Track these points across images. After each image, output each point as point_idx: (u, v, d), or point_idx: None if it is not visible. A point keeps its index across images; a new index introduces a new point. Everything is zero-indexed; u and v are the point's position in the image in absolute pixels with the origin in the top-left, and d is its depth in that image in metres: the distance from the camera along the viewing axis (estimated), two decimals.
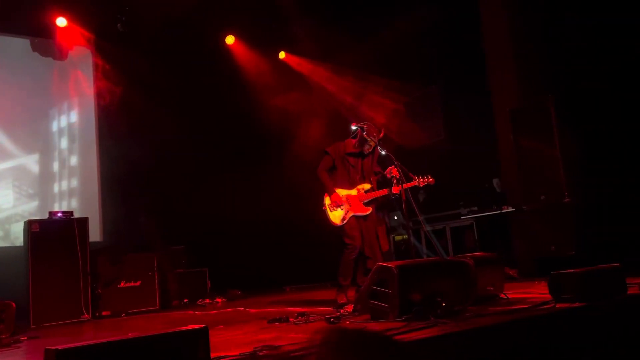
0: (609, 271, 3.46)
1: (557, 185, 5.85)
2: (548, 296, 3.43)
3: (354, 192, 5.05)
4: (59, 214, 6.25)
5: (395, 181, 4.80)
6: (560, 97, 6.02)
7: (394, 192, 4.89)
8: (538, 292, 4.16)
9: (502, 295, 3.92)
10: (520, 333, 2.85)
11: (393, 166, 4.80)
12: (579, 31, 6.17)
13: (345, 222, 4.96)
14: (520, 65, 6.80)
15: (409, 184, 4.83)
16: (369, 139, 4.93)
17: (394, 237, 8.30)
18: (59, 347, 1.86)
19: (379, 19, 8.79)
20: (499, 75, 7.12)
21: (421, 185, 4.90)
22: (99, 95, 8.06)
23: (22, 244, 6.38)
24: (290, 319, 3.85)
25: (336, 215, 4.99)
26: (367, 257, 4.96)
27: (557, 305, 3.19)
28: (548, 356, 2.85)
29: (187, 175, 8.17)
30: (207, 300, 7.04)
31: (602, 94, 5.99)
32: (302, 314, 3.93)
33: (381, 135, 5.00)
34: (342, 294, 4.93)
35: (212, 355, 2.29)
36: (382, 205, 5.55)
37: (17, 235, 6.96)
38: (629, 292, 3.45)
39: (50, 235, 6.05)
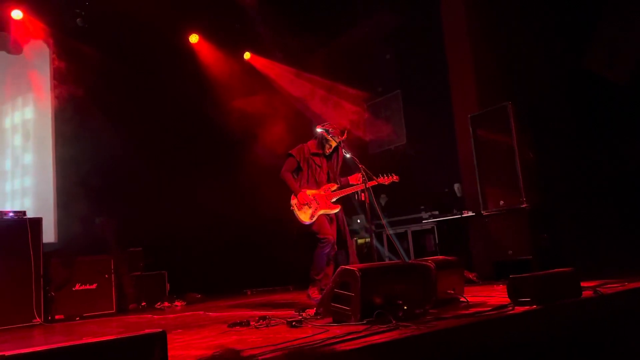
0: (565, 275, 3.55)
1: (515, 190, 5.98)
2: (507, 299, 3.50)
3: (321, 191, 5.05)
4: (11, 214, 6.00)
5: (363, 186, 4.80)
6: (518, 103, 6.17)
7: (360, 195, 4.92)
8: (497, 295, 4.23)
9: (462, 299, 3.97)
10: (480, 335, 2.89)
11: (358, 173, 4.82)
12: (537, 37, 6.35)
13: (314, 219, 4.95)
14: (480, 72, 6.95)
15: (374, 182, 4.87)
16: (329, 139, 4.96)
17: (356, 240, 8.33)
18: (5, 354, 1.77)
19: (342, 23, 8.85)
20: (459, 81, 7.25)
21: (386, 183, 4.94)
22: (55, 91, 7.78)
23: None
24: (252, 323, 3.79)
25: (305, 214, 4.97)
26: (331, 256, 4.97)
27: (516, 308, 3.25)
28: (507, 358, 2.89)
29: (145, 176, 7.98)
30: (166, 304, 6.89)
31: (559, 100, 6.18)
32: (263, 318, 3.88)
33: (344, 137, 5.02)
34: (315, 289, 4.91)
35: None
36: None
37: None
38: (583, 295, 3.54)
39: (0, 235, 5.80)
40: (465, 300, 3.95)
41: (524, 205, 5.90)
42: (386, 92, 9.11)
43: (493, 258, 6.18)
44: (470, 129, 6.51)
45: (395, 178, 4.98)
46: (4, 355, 1.72)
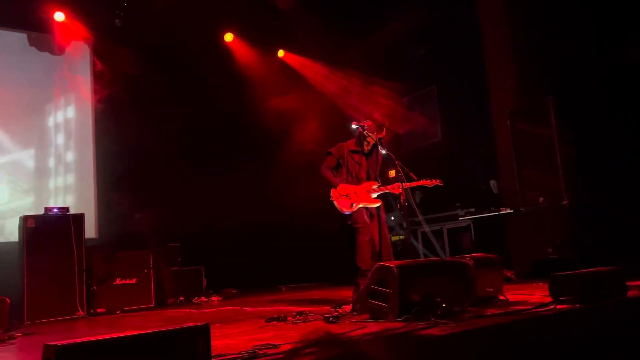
0: (609, 273, 3.46)
1: (555, 187, 5.85)
2: (547, 298, 3.43)
3: (361, 186, 5.05)
4: (55, 210, 6.21)
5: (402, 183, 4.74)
6: (559, 98, 6.02)
7: (394, 192, 4.89)
8: (537, 293, 4.15)
9: (502, 297, 3.91)
10: (520, 334, 2.84)
11: (398, 183, 4.77)
12: (579, 30, 6.18)
13: (354, 209, 4.95)
14: (519, 65, 6.80)
15: (417, 183, 4.82)
16: (367, 135, 4.94)
17: (390, 238, 8.28)
18: (59, 343, 1.83)
19: (377, 18, 8.79)
20: (497, 76, 7.12)
21: (429, 186, 4.89)
22: (96, 91, 8.01)
23: (16, 240, 6.33)
24: (289, 318, 3.83)
25: (344, 203, 4.98)
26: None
27: (557, 307, 3.18)
28: (548, 357, 2.84)
29: (183, 173, 8.12)
30: (203, 299, 7.01)
31: (601, 94, 6.00)
32: (300, 313, 3.91)
33: (383, 134, 4.99)
34: (365, 279, 4.90)
35: (212, 353, 2.26)
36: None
37: (11, 231, 6.89)
38: (628, 294, 3.45)
39: (45, 231, 6.01)
40: (504, 298, 3.89)
41: (564, 202, 5.76)
42: (421, 88, 9.02)
43: (531, 256, 6.06)
44: (509, 123, 6.39)
45: (439, 182, 4.92)
46: (57, 345, 1.79)
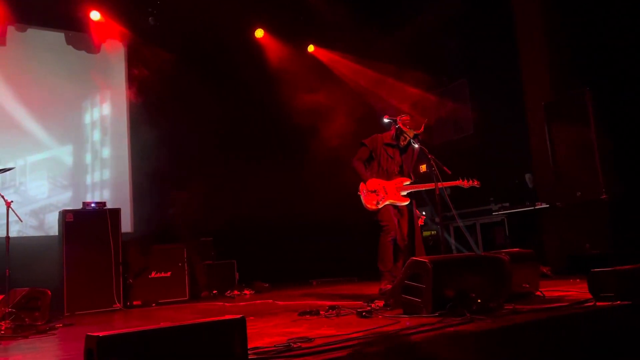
0: None
1: (593, 181, 5.69)
2: (586, 294, 3.35)
3: (392, 183, 5.01)
4: (93, 205, 6.37)
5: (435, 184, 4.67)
6: (597, 89, 5.85)
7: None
8: (575, 289, 4.06)
9: (538, 293, 3.83)
10: (559, 331, 2.78)
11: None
12: (618, 18, 5.99)
13: (380, 207, 4.91)
14: (555, 57, 6.63)
15: (453, 183, 4.76)
16: (405, 131, 4.89)
17: (422, 232, 8.21)
18: (100, 334, 1.88)
19: (407, 11, 8.69)
20: (531, 68, 6.96)
21: (465, 187, 4.83)
22: (130, 87, 8.18)
23: (56, 234, 6.52)
24: (321, 312, 3.83)
25: (371, 200, 4.95)
26: (400, 249, 4.92)
27: (598, 304, 3.10)
28: (588, 355, 2.78)
29: (215, 168, 8.22)
30: (236, 292, 7.09)
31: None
32: (333, 307, 3.91)
33: (421, 131, 4.93)
34: (386, 281, 4.88)
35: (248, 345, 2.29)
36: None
37: (51, 225, 7.11)
38: None
39: (83, 225, 6.17)
40: (541, 294, 3.81)
41: (603, 197, 5.61)
42: (453, 81, 8.89)
43: (567, 252, 5.92)
44: (545, 116, 6.24)
45: (476, 183, 4.84)
46: (99, 336, 1.83)
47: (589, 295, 3.29)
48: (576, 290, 4.02)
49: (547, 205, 6.26)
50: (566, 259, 5.94)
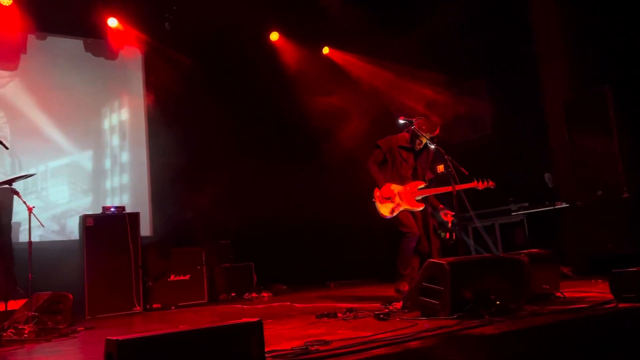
0: None
1: (614, 180, 5.60)
2: (607, 295, 3.29)
3: (407, 187, 4.97)
4: (112, 209, 6.45)
5: (451, 188, 4.62)
6: (617, 87, 5.75)
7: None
8: (596, 290, 3.99)
9: (558, 294, 3.78)
10: (581, 332, 2.74)
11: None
12: (636, 17, 5.89)
13: (394, 214, 4.89)
14: (573, 54, 6.54)
15: (467, 185, 4.71)
16: (421, 134, 4.84)
17: (440, 233, 8.14)
18: (120, 338, 1.90)
19: (423, 10, 8.64)
20: (549, 65, 6.87)
21: (480, 189, 4.78)
22: (148, 92, 8.28)
23: (77, 238, 6.62)
24: (339, 315, 3.83)
25: (385, 208, 4.92)
26: (420, 251, 4.90)
27: (620, 305, 3.05)
28: (610, 358, 2.73)
29: (233, 172, 8.27)
30: (254, 295, 7.12)
31: None
32: (350, 310, 3.91)
33: (436, 133, 4.89)
34: (404, 282, 4.86)
35: (265, 348, 2.30)
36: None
37: (72, 230, 7.22)
38: None
39: (103, 229, 6.25)
40: (561, 295, 3.76)
41: (625, 196, 5.51)
42: (470, 80, 8.81)
43: (588, 252, 5.83)
44: (564, 115, 6.16)
45: (491, 184, 4.79)
46: (119, 339, 1.86)
47: (611, 296, 3.24)
48: (597, 291, 3.96)
49: (567, 205, 6.17)
50: (587, 259, 5.84)
